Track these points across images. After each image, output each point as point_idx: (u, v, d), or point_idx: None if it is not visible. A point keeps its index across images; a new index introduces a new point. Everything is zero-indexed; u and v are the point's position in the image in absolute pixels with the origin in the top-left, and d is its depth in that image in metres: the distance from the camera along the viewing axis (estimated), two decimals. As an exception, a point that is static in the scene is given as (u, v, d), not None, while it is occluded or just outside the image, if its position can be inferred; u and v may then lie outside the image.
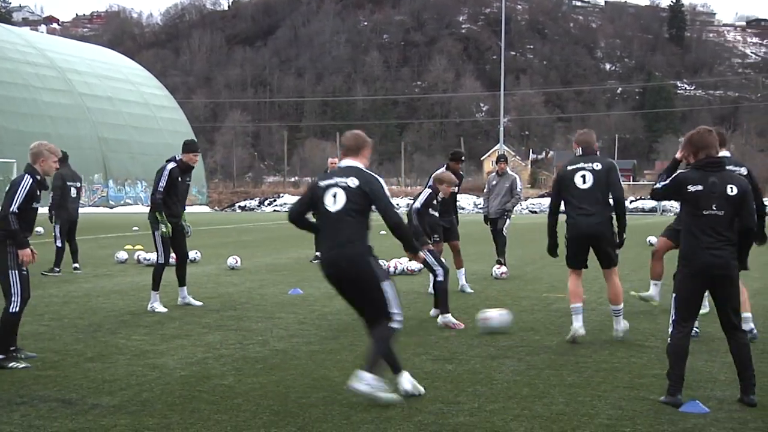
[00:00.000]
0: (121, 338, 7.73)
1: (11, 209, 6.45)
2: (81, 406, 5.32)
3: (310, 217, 6.01)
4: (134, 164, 59.76)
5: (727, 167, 5.86)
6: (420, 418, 5.09)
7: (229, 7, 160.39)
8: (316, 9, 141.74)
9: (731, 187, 5.45)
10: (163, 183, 9.52)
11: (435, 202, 9.31)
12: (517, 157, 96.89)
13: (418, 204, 9.15)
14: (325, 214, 5.64)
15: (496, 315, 8.12)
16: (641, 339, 7.76)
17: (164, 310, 9.37)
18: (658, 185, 5.73)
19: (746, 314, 7.26)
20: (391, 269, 13.37)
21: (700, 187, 5.43)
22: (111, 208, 57.53)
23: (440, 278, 8.72)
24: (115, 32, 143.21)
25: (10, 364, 6.38)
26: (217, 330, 8.21)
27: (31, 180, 6.60)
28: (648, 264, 9.73)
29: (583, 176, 7.55)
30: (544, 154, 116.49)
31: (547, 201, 64.32)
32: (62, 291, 11.19)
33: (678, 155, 5.76)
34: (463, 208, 62.29)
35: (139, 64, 76.94)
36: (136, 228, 26.81)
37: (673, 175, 5.63)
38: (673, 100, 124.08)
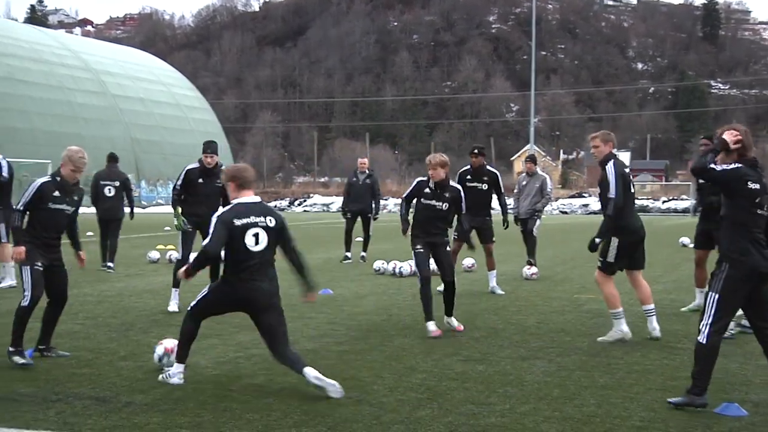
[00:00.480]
0: (154, 337, 7.80)
1: (18, 206, 6.73)
2: (114, 404, 5.38)
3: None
4: (166, 165, 60.29)
5: None
6: (450, 419, 5.08)
7: (259, 8, 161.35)
8: (346, 9, 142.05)
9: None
10: (178, 181, 9.65)
11: (428, 190, 8.27)
12: (548, 157, 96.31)
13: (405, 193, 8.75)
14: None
15: None
16: (673, 341, 7.68)
17: (176, 309, 9.26)
18: (714, 166, 5.32)
19: None
20: (408, 271, 13.18)
21: (758, 186, 5.28)
22: (143, 208, 58.11)
23: (419, 285, 8.19)
24: (147, 34, 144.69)
25: (14, 358, 6.47)
26: (248, 330, 8.23)
27: (42, 181, 6.77)
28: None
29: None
30: (574, 154, 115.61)
31: (577, 201, 63.85)
32: (96, 290, 11.33)
33: (732, 143, 5.37)
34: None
35: (170, 66, 77.67)
36: (167, 228, 27.06)
37: (734, 166, 5.31)
38: (706, 100, 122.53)
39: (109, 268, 13.97)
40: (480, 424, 4.98)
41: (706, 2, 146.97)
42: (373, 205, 15.91)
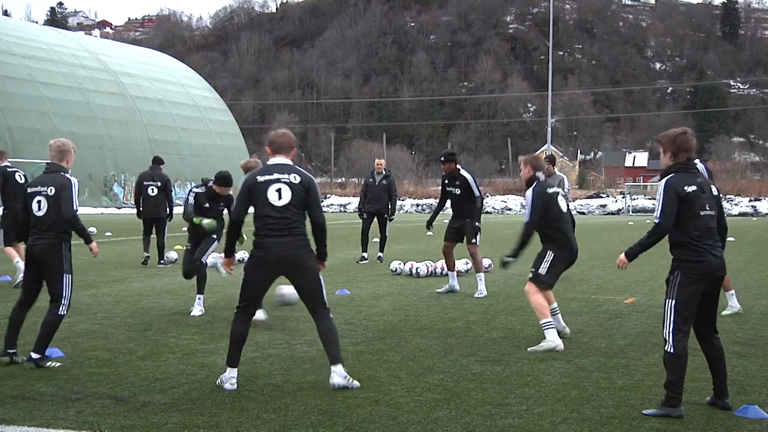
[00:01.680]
0: (172, 337, 7.84)
1: (75, 209, 6.53)
2: (133, 404, 5.42)
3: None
4: (184, 165, 60.64)
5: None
6: (468, 420, 5.07)
7: (277, 9, 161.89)
8: (363, 10, 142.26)
9: (712, 187, 5.45)
10: (191, 201, 9.59)
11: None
12: (565, 157, 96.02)
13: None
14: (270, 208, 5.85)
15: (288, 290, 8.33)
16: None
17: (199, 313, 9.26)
18: (657, 220, 5.33)
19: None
20: (438, 270, 13.29)
21: (694, 188, 5.29)
22: (161, 208, 58.46)
23: None
24: (165, 35, 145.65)
25: (47, 364, 6.42)
26: (265, 330, 8.28)
27: (74, 179, 6.68)
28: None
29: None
30: (592, 154, 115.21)
31: (595, 202, 63.59)
32: (114, 290, 11.40)
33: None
34: (510, 209, 61.93)
35: (188, 67, 78.08)
36: (185, 228, 27.20)
37: (664, 183, 5.29)
38: (725, 100, 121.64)
39: (163, 263, 15.06)
40: (497, 425, 4.97)
41: (725, 1, 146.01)
42: (390, 206, 15.91)
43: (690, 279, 5.24)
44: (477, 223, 11.13)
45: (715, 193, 5.44)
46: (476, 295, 10.91)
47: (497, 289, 11.72)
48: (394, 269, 13.77)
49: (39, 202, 6.56)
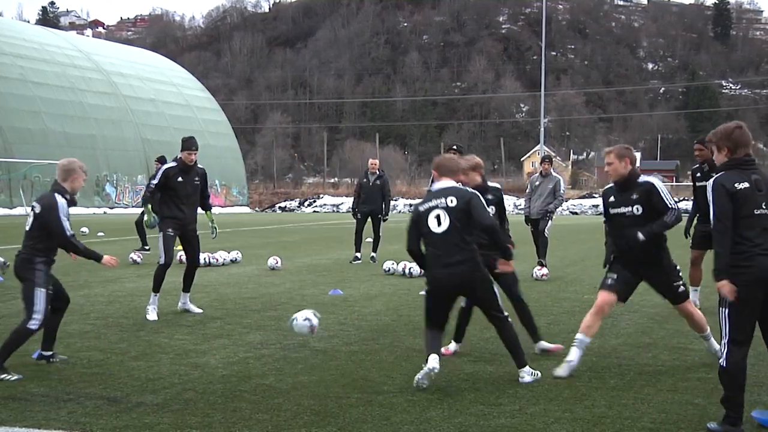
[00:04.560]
0: (164, 337, 7.83)
1: (69, 234, 6.39)
2: (125, 404, 5.40)
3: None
4: (177, 165, 60.44)
5: None
6: (461, 420, 5.08)
7: (269, 9, 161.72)
8: (356, 10, 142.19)
9: None
10: (153, 180, 9.28)
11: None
12: (558, 157, 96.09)
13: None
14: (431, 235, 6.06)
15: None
16: (684, 342, 7.66)
17: (154, 318, 8.89)
18: (712, 226, 4.91)
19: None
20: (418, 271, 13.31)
21: (746, 185, 4.87)
22: (155, 208, 58.32)
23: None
24: (158, 35, 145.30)
25: (2, 375, 6.12)
26: (258, 330, 8.27)
27: (64, 200, 6.46)
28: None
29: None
30: (585, 154, 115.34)
31: (588, 202, 63.69)
32: (107, 290, 11.37)
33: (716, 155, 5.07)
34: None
35: (181, 67, 77.94)
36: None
37: (712, 182, 4.94)
38: (717, 100, 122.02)
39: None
40: (490, 425, 4.98)
41: (717, 2, 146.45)
42: (384, 206, 15.92)
43: (740, 285, 4.77)
44: None
45: None
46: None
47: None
48: (387, 269, 13.78)
49: (28, 216, 6.54)
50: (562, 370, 6.27)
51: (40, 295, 6.33)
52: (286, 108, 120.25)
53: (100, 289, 11.55)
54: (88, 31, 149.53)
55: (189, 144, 9.25)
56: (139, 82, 64.54)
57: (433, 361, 5.83)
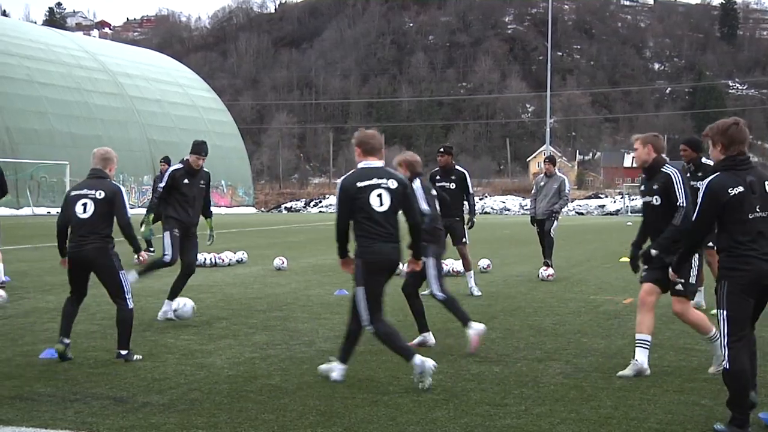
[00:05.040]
0: (170, 338, 7.84)
1: (129, 220, 6.86)
2: (132, 404, 5.41)
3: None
4: (182, 166, 60.61)
5: None
6: (466, 420, 5.07)
7: (275, 9, 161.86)
8: (362, 11, 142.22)
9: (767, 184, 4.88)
10: (162, 184, 9.19)
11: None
12: (564, 158, 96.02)
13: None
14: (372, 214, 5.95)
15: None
16: (691, 342, 7.63)
17: (135, 277, 8.49)
18: (692, 226, 5.00)
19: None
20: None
21: (741, 189, 4.78)
22: (160, 209, 58.40)
23: None
24: (164, 36, 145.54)
25: (135, 357, 6.76)
26: (264, 330, 8.28)
27: (123, 187, 7.00)
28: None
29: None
30: (590, 155, 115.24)
31: (594, 202, 63.60)
32: (113, 290, 11.38)
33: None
34: (509, 210, 61.93)
35: (187, 67, 78.09)
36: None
37: (706, 184, 4.87)
38: (724, 100, 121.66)
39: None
40: (496, 426, 4.97)
41: (724, 2, 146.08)
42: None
43: (736, 288, 4.77)
44: (474, 219, 11.20)
45: None
46: (476, 293, 10.96)
47: (496, 290, 11.72)
48: (392, 270, 13.76)
49: (85, 205, 6.78)
50: (628, 371, 6.24)
51: (125, 277, 6.85)
52: (292, 108, 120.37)
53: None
54: (95, 32, 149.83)
55: (199, 149, 9.21)
56: (145, 83, 64.68)
57: (418, 360, 5.78)
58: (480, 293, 10.98)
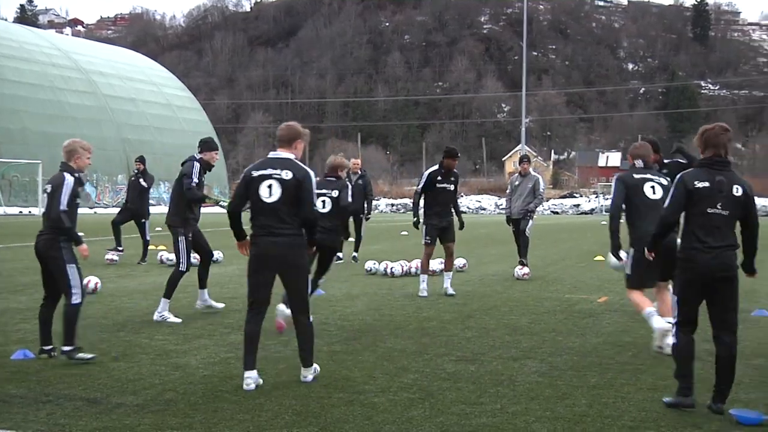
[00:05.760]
0: (145, 338, 7.78)
1: (61, 208, 6.59)
2: (105, 405, 5.36)
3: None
4: (157, 165, 59.92)
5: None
6: (442, 419, 5.08)
7: (251, 8, 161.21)
8: (338, 10, 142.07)
9: (737, 188, 5.28)
10: (195, 180, 9.24)
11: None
12: (539, 157, 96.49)
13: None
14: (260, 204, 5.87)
15: None
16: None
17: (178, 320, 8.80)
18: (664, 212, 5.48)
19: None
20: (413, 270, 13.35)
21: (707, 184, 5.24)
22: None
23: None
24: (138, 34, 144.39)
25: (78, 355, 6.57)
26: (239, 330, 8.20)
27: (72, 178, 6.71)
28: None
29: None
30: (566, 154, 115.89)
31: (569, 201, 64.04)
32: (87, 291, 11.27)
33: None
34: (484, 209, 62.16)
35: (161, 66, 77.52)
36: (158, 228, 26.97)
37: (678, 176, 5.41)
38: (696, 100, 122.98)
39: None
40: (471, 424, 4.98)
41: (696, 3, 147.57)
42: (366, 206, 15.91)
43: (685, 278, 5.33)
44: (463, 220, 11.27)
45: (738, 194, 5.26)
46: (450, 292, 10.96)
47: (472, 289, 11.76)
48: (368, 269, 13.78)
49: (44, 199, 6.79)
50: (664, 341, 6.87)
51: (73, 270, 6.62)
52: (268, 107, 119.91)
53: (80, 289, 11.44)
54: (68, 30, 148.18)
55: (214, 145, 9.60)
56: (120, 81, 64.15)
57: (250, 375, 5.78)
58: (454, 293, 10.98)
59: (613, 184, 7.46)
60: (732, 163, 5.47)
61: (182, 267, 9.07)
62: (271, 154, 6.02)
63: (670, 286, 6.92)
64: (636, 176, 7.38)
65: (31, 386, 5.85)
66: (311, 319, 5.93)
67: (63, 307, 6.68)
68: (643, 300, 7.32)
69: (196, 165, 9.28)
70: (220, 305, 9.74)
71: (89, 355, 6.61)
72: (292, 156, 5.99)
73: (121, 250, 15.75)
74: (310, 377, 5.94)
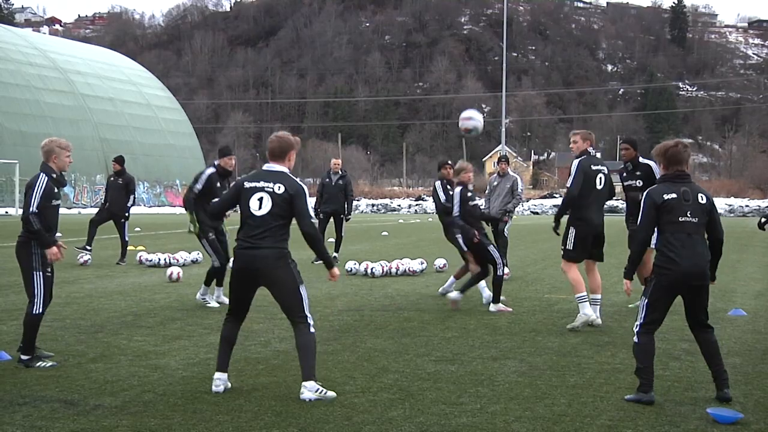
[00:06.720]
0: (123, 339, 7.73)
1: (31, 210, 6.43)
2: (83, 407, 5.32)
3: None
4: (136, 165, 59.78)
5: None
6: (422, 419, 5.09)
7: (231, 8, 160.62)
8: (318, 10, 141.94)
9: (701, 196, 5.60)
10: (199, 186, 9.68)
11: (469, 194, 9.88)
12: (519, 158, 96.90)
13: (456, 208, 9.78)
14: (250, 217, 5.78)
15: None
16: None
17: (220, 303, 9.73)
18: (638, 231, 5.70)
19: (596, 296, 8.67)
20: (393, 270, 13.38)
21: (674, 196, 5.55)
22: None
23: (499, 272, 9.61)
24: (117, 33, 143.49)
25: (37, 364, 6.42)
26: (219, 331, 8.18)
27: (46, 178, 6.55)
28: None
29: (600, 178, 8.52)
30: (545, 155, 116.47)
31: (548, 202, 64.33)
32: (64, 292, 11.18)
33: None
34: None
35: (140, 65, 77.02)
36: (138, 229, 26.83)
37: (645, 193, 5.70)
38: (674, 102, 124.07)
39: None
40: (451, 424, 4.99)
41: (674, 5, 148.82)
42: (346, 206, 15.89)
43: (661, 283, 5.54)
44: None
45: (703, 201, 5.60)
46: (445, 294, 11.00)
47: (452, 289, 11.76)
48: (349, 269, 13.77)
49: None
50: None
51: (39, 279, 6.49)
52: (248, 108, 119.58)
53: (57, 290, 11.32)
54: (45, 29, 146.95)
55: (230, 151, 10.08)
56: (98, 81, 63.65)
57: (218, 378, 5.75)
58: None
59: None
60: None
61: (216, 263, 9.85)
62: (265, 167, 5.94)
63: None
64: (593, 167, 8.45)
65: (6, 388, 5.79)
66: (312, 330, 5.73)
67: (25, 314, 6.53)
68: (580, 281, 8.34)
69: (207, 172, 9.77)
70: (215, 305, 9.90)
71: (50, 363, 6.45)
72: (285, 169, 5.90)
73: (89, 250, 15.58)
74: (308, 395, 5.47)
